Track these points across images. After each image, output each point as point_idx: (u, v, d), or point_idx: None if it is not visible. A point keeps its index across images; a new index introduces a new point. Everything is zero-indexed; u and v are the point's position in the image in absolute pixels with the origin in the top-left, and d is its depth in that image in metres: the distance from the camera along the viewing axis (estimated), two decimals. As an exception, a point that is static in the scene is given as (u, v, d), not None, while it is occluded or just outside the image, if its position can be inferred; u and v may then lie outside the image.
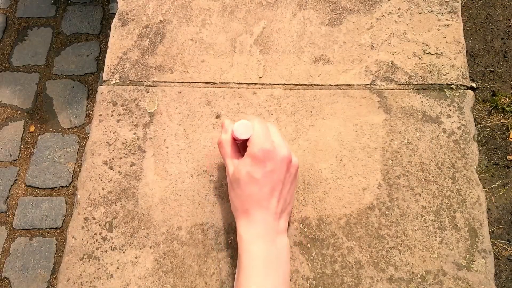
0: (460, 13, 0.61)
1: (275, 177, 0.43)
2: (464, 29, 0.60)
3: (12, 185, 1.41)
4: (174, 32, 0.63)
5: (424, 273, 0.49)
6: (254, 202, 0.44)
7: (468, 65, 0.57)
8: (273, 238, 0.44)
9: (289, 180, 0.45)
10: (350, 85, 0.59)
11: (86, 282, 0.51)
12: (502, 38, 1.43)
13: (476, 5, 1.47)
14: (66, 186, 1.39)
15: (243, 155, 0.46)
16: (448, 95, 0.57)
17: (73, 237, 0.53)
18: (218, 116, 0.58)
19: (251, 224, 0.44)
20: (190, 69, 0.61)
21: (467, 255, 0.50)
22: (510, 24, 1.45)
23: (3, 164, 1.43)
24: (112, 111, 0.59)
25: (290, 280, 0.49)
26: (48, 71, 1.57)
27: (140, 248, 0.52)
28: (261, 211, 0.44)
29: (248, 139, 0.45)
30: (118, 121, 0.59)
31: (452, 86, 0.58)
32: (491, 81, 1.37)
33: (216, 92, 0.59)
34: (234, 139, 0.47)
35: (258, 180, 0.43)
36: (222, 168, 0.55)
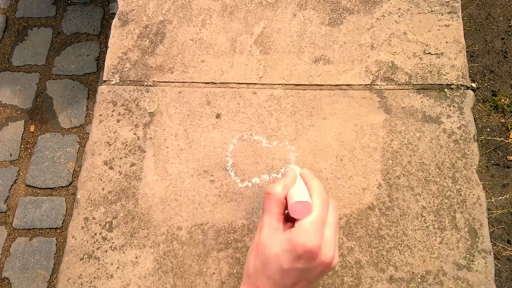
0: (460, 13, 0.61)
1: (303, 275, 0.39)
2: (464, 29, 0.60)
3: (12, 185, 1.41)
4: (174, 32, 0.63)
5: (424, 273, 0.49)
6: (268, 284, 0.40)
7: (468, 65, 0.57)
8: None
9: (315, 279, 0.40)
10: (350, 85, 0.59)
11: (86, 282, 0.51)
12: (502, 38, 1.43)
13: (476, 5, 1.47)
14: (66, 186, 1.39)
15: (284, 215, 0.41)
16: (448, 95, 0.57)
17: (73, 237, 0.53)
18: (218, 116, 0.58)
19: None
20: (190, 69, 0.61)
21: (467, 255, 0.50)
22: (510, 24, 1.45)
23: (3, 164, 1.43)
24: (112, 111, 0.59)
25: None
26: (48, 71, 1.57)
27: (140, 248, 0.52)
28: None
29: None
30: (118, 121, 0.59)
31: (452, 86, 0.58)
32: (491, 81, 1.37)
33: (216, 92, 0.59)
34: (285, 199, 0.41)
35: (283, 270, 0.39)
36: (222, 168, 0.55)
